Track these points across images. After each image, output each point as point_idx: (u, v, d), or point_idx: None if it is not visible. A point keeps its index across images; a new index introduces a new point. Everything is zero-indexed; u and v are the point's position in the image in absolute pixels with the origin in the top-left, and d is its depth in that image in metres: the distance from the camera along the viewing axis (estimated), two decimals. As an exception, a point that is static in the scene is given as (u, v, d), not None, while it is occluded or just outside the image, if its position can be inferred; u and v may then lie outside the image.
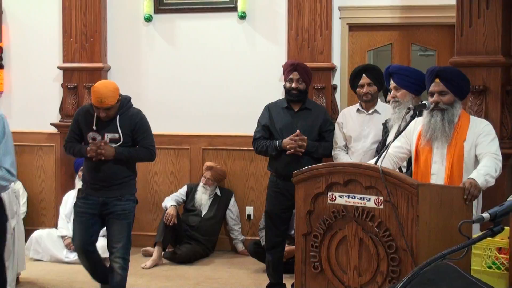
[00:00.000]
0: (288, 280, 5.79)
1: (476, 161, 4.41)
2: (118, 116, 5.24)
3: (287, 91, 5.80)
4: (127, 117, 5.27)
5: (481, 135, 4.42)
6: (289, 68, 5.81)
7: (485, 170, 4.20)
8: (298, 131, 5.62)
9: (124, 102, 5.30)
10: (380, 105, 5.85)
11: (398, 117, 4.99)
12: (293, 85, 5.76)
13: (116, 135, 5.23)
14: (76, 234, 5.39)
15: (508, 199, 2.81)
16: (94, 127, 5.25)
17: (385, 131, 5.33)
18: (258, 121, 5.89)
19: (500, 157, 4.39)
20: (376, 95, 5.84)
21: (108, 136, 5.23)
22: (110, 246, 5.29)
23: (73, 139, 5.38)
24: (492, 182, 4.24)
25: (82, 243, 5.34)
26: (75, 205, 5.42)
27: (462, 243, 2.54)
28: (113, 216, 5.25)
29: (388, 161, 4.44)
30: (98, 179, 5.26)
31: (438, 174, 4.42)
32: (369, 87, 5.75)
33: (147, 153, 5.33)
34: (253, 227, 7.33)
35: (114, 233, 5.26)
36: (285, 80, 5.82)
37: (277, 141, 5.68)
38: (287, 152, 5.61)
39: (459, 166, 4.38)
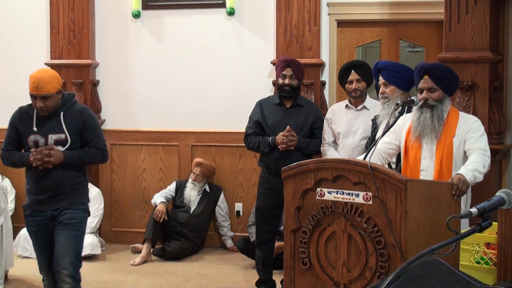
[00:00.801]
0: (277, 276, 5.79)
1: (465, 157, 4.42)
2: (62, 113, 4.61)
3: (280, 87, 5.80)
4: (72, 114, 4.62)
5: (469, 131, 4.43)
6: (282, 64, 5.80)
7: (473, 166, 4.22)
8: (288, 127, 5.62)
9: (68, 98, 4.67)
10: (369, 101, 5.85)
11: (387, 113, 4.99)
12: (286, 81, 5.76)
13: (62, 136, 4.58)
14: (40, 258, 4.75)
15: (496, 194, 2.81)
16: (35, 128, 4.59)
17: (374, 127, 5.33)
18: (250, 117, 5.89)
19: (489, 153, 4.41)
20: (365, 91, 5.85)
21: (52, 137, 4.57)
22: (55, 263, 4.55)
23: (11, 147, 4.69)
24: (480, 177, 4.25)
25: (50, 266, 4.67)
26: (26, 225, 4.74)
27: (450, 238, 2.54)
28: (60, 227, 4.56)
29: (377, 157, 4.46)
30: (45, 188, 4.59)
31: (427, 170, 4.44)
32: (358, 83, 5.75)
33: (99, 155, 4.69)
34: (242, 223, 7.33)
35: (60, 246, 4.53)
36: (278, 76, 5.81)
37: (270, 138, 5.68)
38: (279, 148, 5.60)
39: (448, 162, 4.40)
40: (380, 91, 5.14)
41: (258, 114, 5.83)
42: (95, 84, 7.53)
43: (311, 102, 6.22)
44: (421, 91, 4.51)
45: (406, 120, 4.55)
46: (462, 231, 2.80)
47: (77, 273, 4.60)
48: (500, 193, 2.83)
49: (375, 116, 5.36)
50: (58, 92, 4.60)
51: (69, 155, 4.57)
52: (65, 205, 4.60)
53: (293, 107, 5.82)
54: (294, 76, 5.78)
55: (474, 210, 2.64)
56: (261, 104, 5.88)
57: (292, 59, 5.97)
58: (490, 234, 4.30)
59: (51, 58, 7.52)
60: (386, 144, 4.57)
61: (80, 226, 4.64)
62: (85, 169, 4.77)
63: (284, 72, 5.78)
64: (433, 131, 4.43)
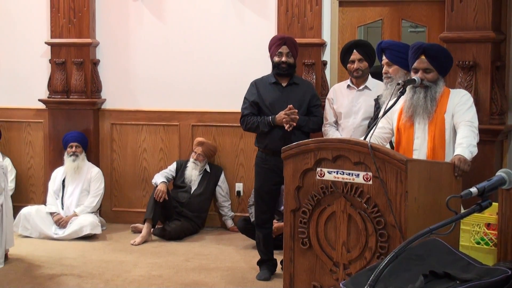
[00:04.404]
0: (278, 256, 5.79)
1: (455, 131, 4.43)
2: None
3: (276, 65, 5.76)
4: None
5: (458, 104, 4.45)
6: (278, 42, 5.77)
7: (466, 142, 4.24)
8: (290, 105, 5.59)
9: None
10: (370, 81, 5.82)
11: (389, 92, 4.97)
12: (283, 59, 5.72)
13: None
14: None
15: (496, 174, 2.80)
16: None
17: (377, 107, 5.31)
18: (245, 98, 5.85)
19: (476, 123, 4.43)
20: (367, 71, 5.81)
21: None
22: None
23: None
24: (476, 151, 4.29)
25: None
26: None
27: (450, 218, 2.53)
28: None
29: (374, 141, 4.43)
30: None
31: (420, 150, 4.45)
32: (359, 63, 5.72)
33: None
34: (243, 203, 7.33)
35: None
36: (274, 55, 5.77)
37: (270, 117, 5.65)
38: (285, 127, 5.57)
39: (441, 139, 4.41)
40: (384, 70, 5.11)
41: (255, 94, 5.80)
42: (96, 63, 7.50)
43: (306, 80, 6.21)
44: (416, 71, 4.49)
45: (398, 102, 4.52)
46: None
47: None
48: (500, 173, 2.81)
49: (378, 96, 5.34)
50: None
51: None
52: None
53: (289, 85, 5.79)
54: (291, 54, 5.75)
55: (474, 189, 2.62)
56: (256, 84, 5.84)
57: (288, 36, 5.94)
58: (491, 214, 4.29)
59: (51, 37, 7.49)
60: (380, 129, 4.56)
61: None
62: None
63: (280, 50, 5.74)
64: (425, 111, 4.43)
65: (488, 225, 4.33)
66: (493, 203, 3.77)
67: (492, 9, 5.60)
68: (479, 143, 4.43)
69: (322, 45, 6.91)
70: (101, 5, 7.50)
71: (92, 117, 7.50)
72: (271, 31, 6.97)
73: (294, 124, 5.58)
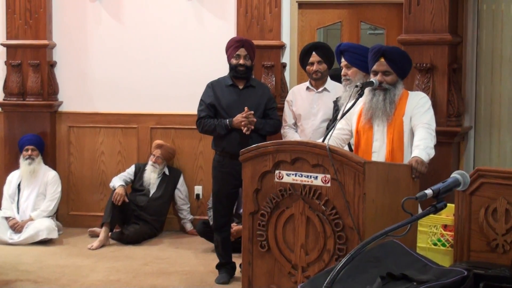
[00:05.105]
0: (237, 259, 5.77)
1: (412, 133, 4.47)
2: None
3: (233, 67, 5.74)
4: None
5: (416, 106, 4.49)
6: (236, 45, 5.76)
7: (424, 144, 4.28)
8: (246, 108, 5.58)
9: None
10: (329, 83, 5.85)
11: (348, 95, 4.99)
12: (241, 61, 5.71)
13: None
14: None
15: (451, 176, 2.82)
16: None
17: (336, 109, 5.34)
18: (202, 100, 5.83)
19: (434, 126, 4.48)
20: (326, 73, 5.84)
21: None
22: None
23: None
24: (433, 153, 4.33)
25: None
26: None
27: (405, 220, 2.54)
28: None
29: (333, 143, 4.45)
30: None
31: (379, 152, 4.47)
32: (319, 65, 5.75)
33: None
34: (202, 206, 7.30)
35: None
36: (231, 57, 5.76)
37: (227, 120, 5.63)
38: (243, 130, 5.56)
39: (399, 141, 4.45)
40: (342, 73, 5.13)
41: (211, 96, 5.77)
42: (52, 65, 7.41)
43: (262, 83, 6.22)
44: (376, 73, 4.52)
45: (357, 104, 4.55)
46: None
47: None
48: (455, 174, 2.84)
49: (337, 98, 5.36)
50: None
51: None
52: None
53: (246, 88, 5.78)
54: (248, 56, 5.75)
55: (429, 191, 2.64)
56: (212, 86, 5.82)
57: (246, 39, 5.94)
58: (448, 216, 4.34)
59: (7, 39, 7.38)
60: (339, 130, 4.58)
61: None
62: None
63: (238, 52, 5.73)
64: (384, 113, 4.46)
65: (445, 227, 4.38)
66: (450, 204, 3.82)
67: (449, 12, 5.66)
68: (437, 145, 4.47)
69: (282, 47, 6.92)
70: (58, 6, 7.41)
71: (48, 120, 7.40)
72: (230, 33, 6.95)
73: (252, 127, 5.57)
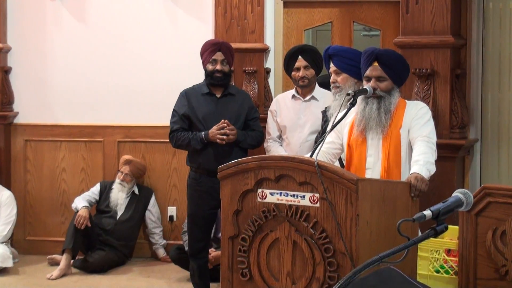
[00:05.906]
0: (215, 289, 5.79)
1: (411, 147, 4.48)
2: None
3: (210, 74, 5.76)
4: None
5: (414, 118, 4.50)
6: (211, 48, 5.77)
7: (424, 159, 4.28)
8: (224, 120, 5.58)
9: None
10: (318, 91, 5.86)
11: (338, 104, 5.00)
12: (218, 67, 5.72)
13: None
14: None
15: (452, 195, 2.82)
16: None
17: (325, 120, 5.35)
18: (174, 110, 5.83)
19: (434, 139, 4.50)
20: (314, 79, 5.85)
21: None
22: None
23: None
24: (434, 169, 4.34)
25: None
26: None
27: (402, 244, 2.54)
28: None
29: (323, 158, 4.45)
30: None
31: (373, 169, 4.48)
32: (305, 71, 5.76)
33: None
34: (176, 230, 7.30)
35: None
36: (207, 62, 5.77)
37: (202, 133, 5.63)
38: (218, 141, 5.55)
39: (396, 157, 4.45)
40: (331, 79, 5.14)
41: (185, 106, 5.78)
42: (7, 71, 7.42)
43: (242, 91, 6.24)
44: (369, 80, 4.53)
45: (348, 116, 4.55)
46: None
47: None
48: (457, 193, 2.83)
49: (326, 108, 5.37)
50: None
51: None
52: None
53: (224, 96, 5.80)
54: (226, 61, 5.76)
55: (428, 212, 2.64)
56: (187, 95, 5.83)
57: (223, 41, 5.96)
58: (451, 239, 4.34)
59: (-44, 42, 7.37)
60: (330, 144, 4.59)
61: None
62: None
63: (214, 57, 5.74)
64: (379, 124, 4.46)
65: (448, 251, 4.38)
66: (454, 226, 3.82)
67: (451, 11, 5.69)
68: (438, 159, 4.49)
69: (265, 50, 6.94)
70: (14, 5, 7.42)
71: (2, 133, 7.39)
72: (208, 35, 6.97)
73: (231, 137, 5.57)
